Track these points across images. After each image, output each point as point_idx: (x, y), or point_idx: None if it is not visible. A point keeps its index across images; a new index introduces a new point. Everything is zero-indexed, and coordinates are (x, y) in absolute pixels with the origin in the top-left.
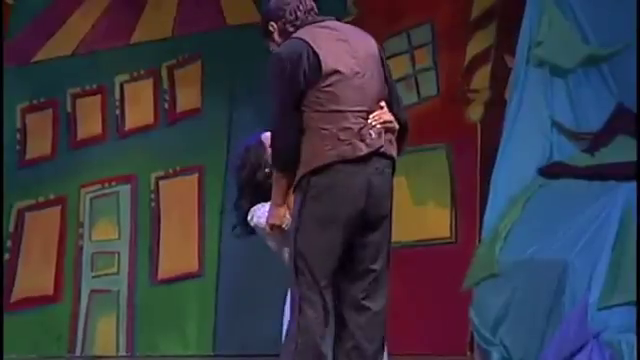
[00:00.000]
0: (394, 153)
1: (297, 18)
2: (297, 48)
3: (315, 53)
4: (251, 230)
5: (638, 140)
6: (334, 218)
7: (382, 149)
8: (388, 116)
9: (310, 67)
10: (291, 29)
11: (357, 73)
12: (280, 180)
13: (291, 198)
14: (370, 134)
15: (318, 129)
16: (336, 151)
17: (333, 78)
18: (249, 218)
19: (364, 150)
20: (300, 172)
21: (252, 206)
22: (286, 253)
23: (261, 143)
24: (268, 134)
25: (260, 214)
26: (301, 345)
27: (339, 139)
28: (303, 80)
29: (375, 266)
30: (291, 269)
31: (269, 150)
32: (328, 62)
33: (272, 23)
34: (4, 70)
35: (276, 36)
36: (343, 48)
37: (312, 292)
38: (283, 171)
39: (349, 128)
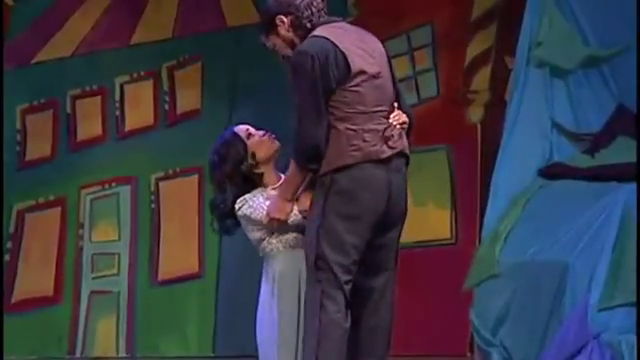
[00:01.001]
0: (408, 151)
1: (312, 14)
2: (324, 46)
3: (342, 53)
4: (233, 224)
5: (638, 141)
6: (359, 216)
7: (404, 150)
8: (404, 117)
9: (338, 66)
10: (308, 25)
11: (378, 73)
12: (296, 176)
13: (304, 196)
14: (393, 135)
15: (344, 129)
16: (362, 152)
17: (359, 78)
18: (237, 208)
19: (387, 152)
20: (322, 170)
21: (236, 199)
22: (270, 244)
23: (238, 136)
24: (242, 127)
25: (255, 205)
26: (325, 341)
27: (365, 140)
28: (333, 79)
29: (389, 267)
30: (310, 266)
31: (248, 142)
32: (355, 62)
33: (281, 17)
34: (4, 71)
35: (283, 30)
36: (363, 48)
37: (333, 288)
38: (305, 168)
39: (374, 129)
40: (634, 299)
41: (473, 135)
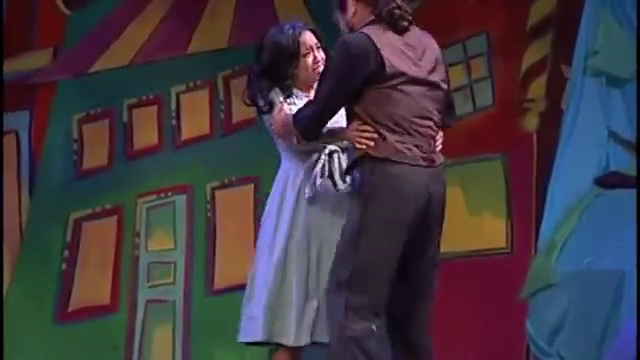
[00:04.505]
0: (442, 160)
1: (375, 7)
2: (363, 42)
3: (378, 51)
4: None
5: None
6: (398, 218)
7: (434, 160)
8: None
9: (370, 64)
10: (370, 18)
11: (420, 79)
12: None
13: None
14: (430, 144)
15: (380, 124)
16: (393, 149)
17: (395, 80)
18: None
19: (420, 160)
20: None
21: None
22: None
23: (298, 46)
24: (309, 40)
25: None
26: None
27: (397, 141)
28: (361, 76)
29: (429, 280)
30: (341, 275)
31: (301, 60)
32: (393, 63)
33: None
34: (62, 81)
35: (351, 9)
36: (406, 52)
37: (361, 299)
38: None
39: (404, 130)
40: None
41: (529, 144)
